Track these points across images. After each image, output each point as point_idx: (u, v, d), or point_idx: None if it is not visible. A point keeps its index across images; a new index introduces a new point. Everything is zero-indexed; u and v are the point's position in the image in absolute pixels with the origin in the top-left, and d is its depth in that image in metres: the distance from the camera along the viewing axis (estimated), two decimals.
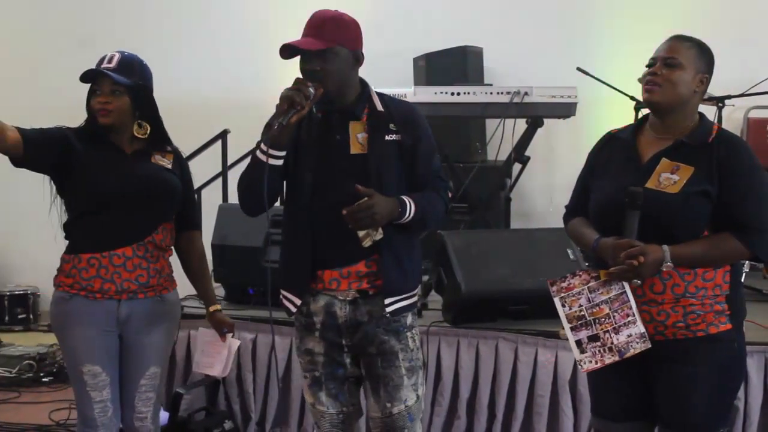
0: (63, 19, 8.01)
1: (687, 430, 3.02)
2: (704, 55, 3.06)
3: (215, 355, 3.79)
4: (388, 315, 3.16)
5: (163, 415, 4.68)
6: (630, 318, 2.96)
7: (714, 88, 5.78)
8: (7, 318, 7.79)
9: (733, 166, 2.94)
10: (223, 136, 6.17)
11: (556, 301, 3.08)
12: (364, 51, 3.18)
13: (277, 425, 4.87)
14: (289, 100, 2.98)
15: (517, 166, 6.19)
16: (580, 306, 3.05)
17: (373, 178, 3.09)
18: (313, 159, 3.15)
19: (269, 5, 7.62)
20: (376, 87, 3.30)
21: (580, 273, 3.07)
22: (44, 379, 6.09)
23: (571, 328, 3.05)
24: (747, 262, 5.17)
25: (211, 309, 3.75)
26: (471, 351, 4.54)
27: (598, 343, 3.01)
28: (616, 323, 2.98)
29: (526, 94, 5.76)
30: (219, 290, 5.35)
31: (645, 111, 5.90)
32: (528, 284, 4.55)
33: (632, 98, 6.03)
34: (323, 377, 3.24)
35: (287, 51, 3.10)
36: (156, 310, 3.53)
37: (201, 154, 6.15)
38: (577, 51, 6.81)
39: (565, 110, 5.88)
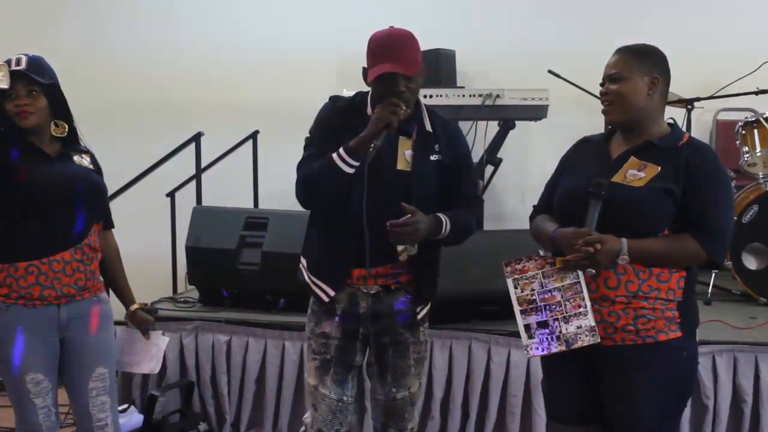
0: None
1: None
2: (646, 58, 3.09)
3: (141, 353, 3.77)
4: (419, 320, 3.47)
5: (138, 418, 4.69)
6: (581, 309, 2.96)
7: (683, 91, 5.89)
8: None
9: (699, 169, 2.97)
10: (196, 138, 6.16)
11: (509, 282, 3.09)
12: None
13: (252, 426, 4.88)
14: (386, 122, 3.14)
15: (489, 168, 6.24)
16: (533, 290, 3.06)
17: (415, 196, 3.26)
18: (362, 168, 3.23)
19: (240, 7, 7.63)
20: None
21: (536, 258, 3.09)
22: None
23: (521, 312, 3.07)
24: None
25: (132, 308, 3.72)
26: (444, 351, 4.58)
27: (547, 331, 3.02)
28: (566, 312, 2.99)
29: (498, 96, 5.83)
30: (193, 292, 5.37)
31: None
32: (500, 285, 4.52)
33: None
34: (333, 360, 3.40)
35: (383, 72, 3.19)
36: (94, 311, 3.52)
37: (175, 156, 6.14)
38: (548, 54, 6.84)
39: (536, 112, 5.95)
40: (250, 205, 6.70)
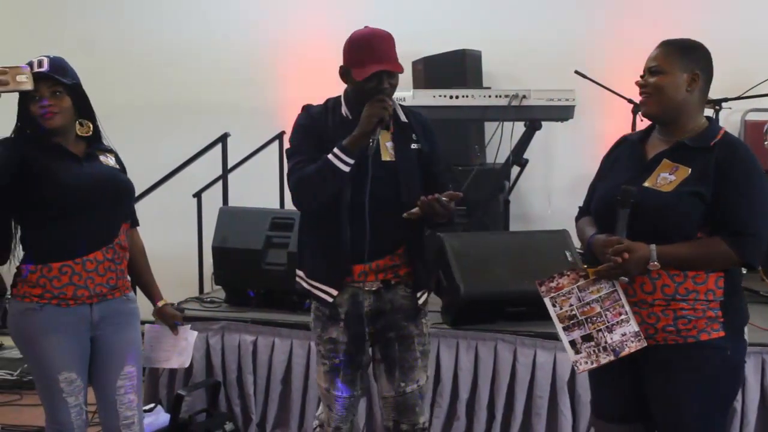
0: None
1: None
2: (689, 53, 3.06)
3: (170, 349, 3.77)
4: (421, 307, 3.56)
5: (165, 417, 4.72)
6: (623, 316, 2.97)
7: (711, 91, 5.84)
8: None
9: (729, 169, 2.93)
10: (223, 139, 6.19)
11: (547, 301, 3.09)
12: None
13: (278, 426, 4.90)
14: (379, 117, 3.29)
15: (515, 169, 6.24)
16: (571, 305, 3.05)
17: (402, 184, 3.42)
18: (357, 165, 3.34)
19: (261, 6, 7.66)
20: None
21: (568, 273, 3.08)
22: None
23: (564, 329, 3.06)
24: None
25: (160, 304, 3.73)
26: (470, 352, 4.57)
27: (592, 343, 3.01)
28: (608, 322, 2.98)
29: (524, 97, 5.82)
30: (219, 293, 5.40)
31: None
32: (526, 286, 4.49)
33: (630, 101, 6.06)
34: (342, 364, 3.48)
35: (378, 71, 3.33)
36: (125, 310, 3.55)
37: (201, 157, 6.17)
38: (575, 54, 6.83)
39: (563, 113, 5.93)
40: (276, 205, 6.72)
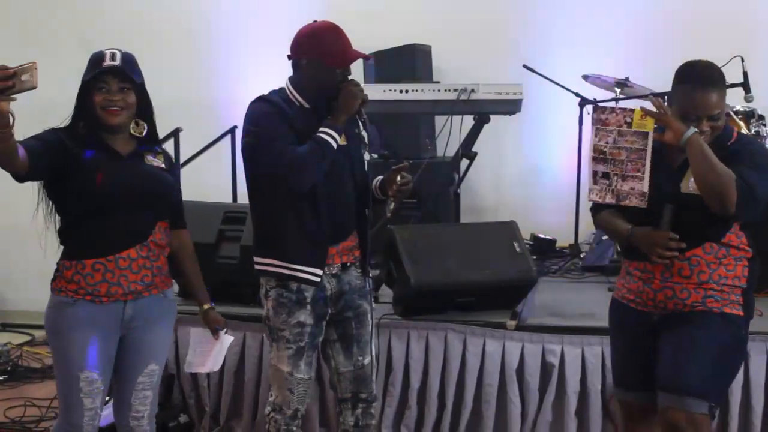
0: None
1: (680, 391, 3.21)
2: (724, 83, 3.30)
3: (207, 353, 3.75)
4: (371, 278, 3.83)
5: None
6: (639, 173, 3.24)
7: (655, 85, 5.95)
8: None
9: (741, 151, 3.22)
10: (175, 134, 6.19)
11: (592, 128, 3.34)
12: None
13: (232, 418, 4.93)
14: (362, 98, 3.53)
15: (465, 162, 6.30)
16: (606, 143, 3.31)
17: (356, 167, 3.67)
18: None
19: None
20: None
21: (618, 111, 3.31)
22: None
23: (593, 158, 3.33)
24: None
25: (205, 307, 3.69)
26: (421, 342, 4.63)
27: (607, 182, 3.31)
28: (625, 171, 3.26)
29: (472, 91, 5.89)
30: (173, 286, 5.40)
31: (589, 107, 6.05)
32: (475, 276, 4.66)
33: (577, 95, 6.16)
34: (306, 346, 3.61)
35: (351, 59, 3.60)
36: (159, 308, 3.50)
37: None
38: (523, 49, 6.92)
39: (510, 107, 6.02)
40: (229, 199, 6.74)
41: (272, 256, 3.61)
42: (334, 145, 3.48)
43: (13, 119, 2.83)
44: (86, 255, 3.33)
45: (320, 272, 3.57)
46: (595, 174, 3.36)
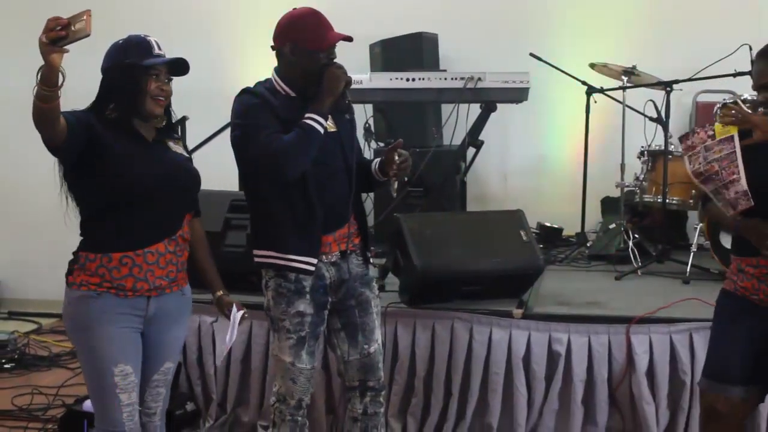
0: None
1: None
2: None
3: (222, 335, 3.75)
4: (371, 264, 3.82)
5: None
6: (735, 176, 3.17)
7: (662, 73, 5.95)
8: None
9: None
10: (181, 122, 6.18)
11: (685, 159, 3.34)
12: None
13: (238, 405, 4.94)
14: (345, 80, 3.51)
15: (471, 150, 6.30)
16: (700, 164, 3.28)
17: (347, 152, 3.64)
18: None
19: None
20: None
21: (698, 131, 3.29)
22: (6, 366, 6.07)
23: (700, 183, 3.32)
24: None
25: (219, 294, 3.59)
26: (427, 331, 4.64)
27: (722, 197, 3.25)
28: (724, 180, 3.21)
29: (479, 79, 5.89)
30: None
31: (597, 96, 6.03)
32: (482, 265, 4.66)
33: (584, 83, 6.15)
34: (308, 336, 3.59)
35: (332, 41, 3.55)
36: (178, 306, 3.42)
37: None
38: (530, 37, 6.91)
39: (517, 95, 6.01)
40: (235, 188, 6.73)
41: (268, 248, 3.60)
42: (321, 130, 3.45)
43: (63, 78, 2.73)
44: (114, 247, 3.20)
45: (315, 261, 3.54)
46: (713, 193, 3.31)
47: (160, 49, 3.29)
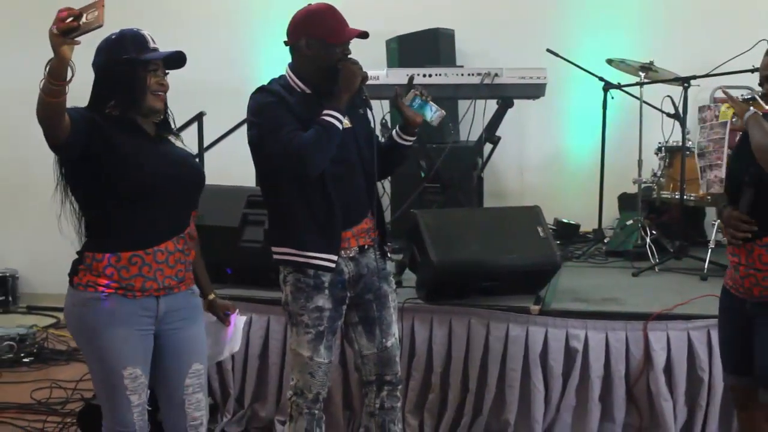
0: None
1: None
2: None
3: (223, 340, 3.64)
4: (389, 259, 3.85)
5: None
6: (719, 161, 3.31)
7: (680, 69, 5.93)
8: None
9: None
10: (199, 118, 6.20)
11: (699, 130, 3.51)
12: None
13: (256, 400, 4.96)
14: (362, 75, 3.51)
15: (488, 146, 6.30)
16: (703, 139, 3.48)
17: (364, 149, 3.63)
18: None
19: None
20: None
21: (711, 107, 3.46)
22: (25, 360, 6.11)
23: (697, 155, 3.50)
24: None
25: (211, 297, 3.55)
26: (444, 327, 4.64)
27: (705, 175, 3.42)
28: (711, 162, 3.35)
29: (496, 75, 5.88)
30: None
31: (614, 92, 6.02)
32: (499, 261, 4.65)
33: (601, 79, 6.15)
34: (326, 331, 3.61)
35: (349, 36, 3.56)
36: (190, 304, 3.33)
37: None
38: (547, 32, 6.90)
39: (534, 91, 6.00)
40: (252, 183, 6.75)
41: (287, 245, 3.60)
42: (340, 127, 3.46)
43: (73, 73, 2.68)
44: (123, 246, 3.11)
45: (335, 258, 3.55)
46: (701, 170, 3.47)
47: (154, 42, 3.23)
